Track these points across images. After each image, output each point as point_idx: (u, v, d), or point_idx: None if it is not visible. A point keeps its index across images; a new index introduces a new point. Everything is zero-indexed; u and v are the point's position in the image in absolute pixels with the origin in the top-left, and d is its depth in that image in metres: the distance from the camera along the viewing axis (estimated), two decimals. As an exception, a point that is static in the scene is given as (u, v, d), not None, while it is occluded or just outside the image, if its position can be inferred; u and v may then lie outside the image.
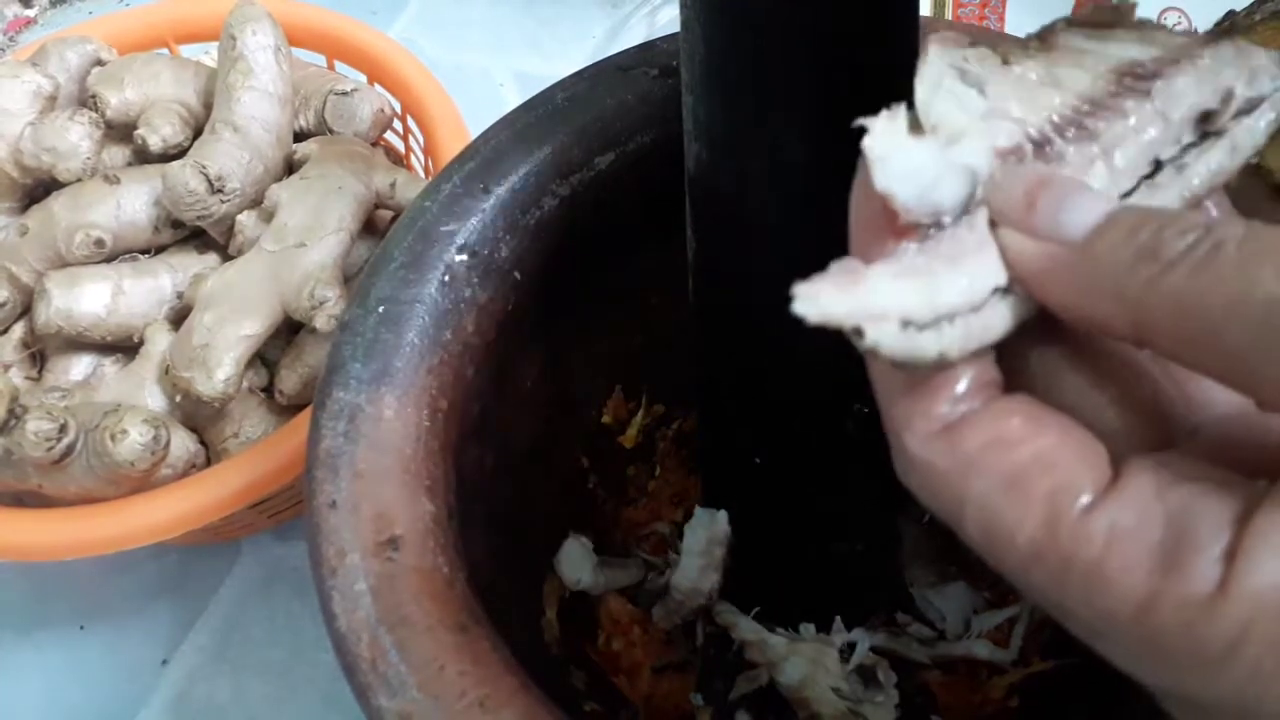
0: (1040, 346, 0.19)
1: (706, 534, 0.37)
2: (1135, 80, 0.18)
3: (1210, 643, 0.14)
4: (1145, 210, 0.17)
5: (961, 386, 0.17)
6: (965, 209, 0.18)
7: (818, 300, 0.16)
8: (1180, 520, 0.15)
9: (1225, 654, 0.14)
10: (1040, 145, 0.19)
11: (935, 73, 0.19)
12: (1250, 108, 0.19)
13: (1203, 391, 0.18)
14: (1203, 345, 0.15)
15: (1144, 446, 0.18)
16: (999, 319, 0.17)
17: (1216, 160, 0.19)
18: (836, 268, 0.17)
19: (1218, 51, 0.19)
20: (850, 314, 0.16)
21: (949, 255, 0.17)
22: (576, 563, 0.41)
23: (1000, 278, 0.17)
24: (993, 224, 0.18)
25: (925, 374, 0.17)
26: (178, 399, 0.46)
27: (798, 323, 0.17)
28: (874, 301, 0.16)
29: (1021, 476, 0.16)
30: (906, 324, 0.17)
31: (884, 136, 0.17)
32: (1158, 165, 0.19)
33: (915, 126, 0.18)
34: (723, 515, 0.36)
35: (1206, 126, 0.19)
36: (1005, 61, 0.19)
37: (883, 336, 0.16)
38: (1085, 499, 0.16)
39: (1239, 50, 0.19)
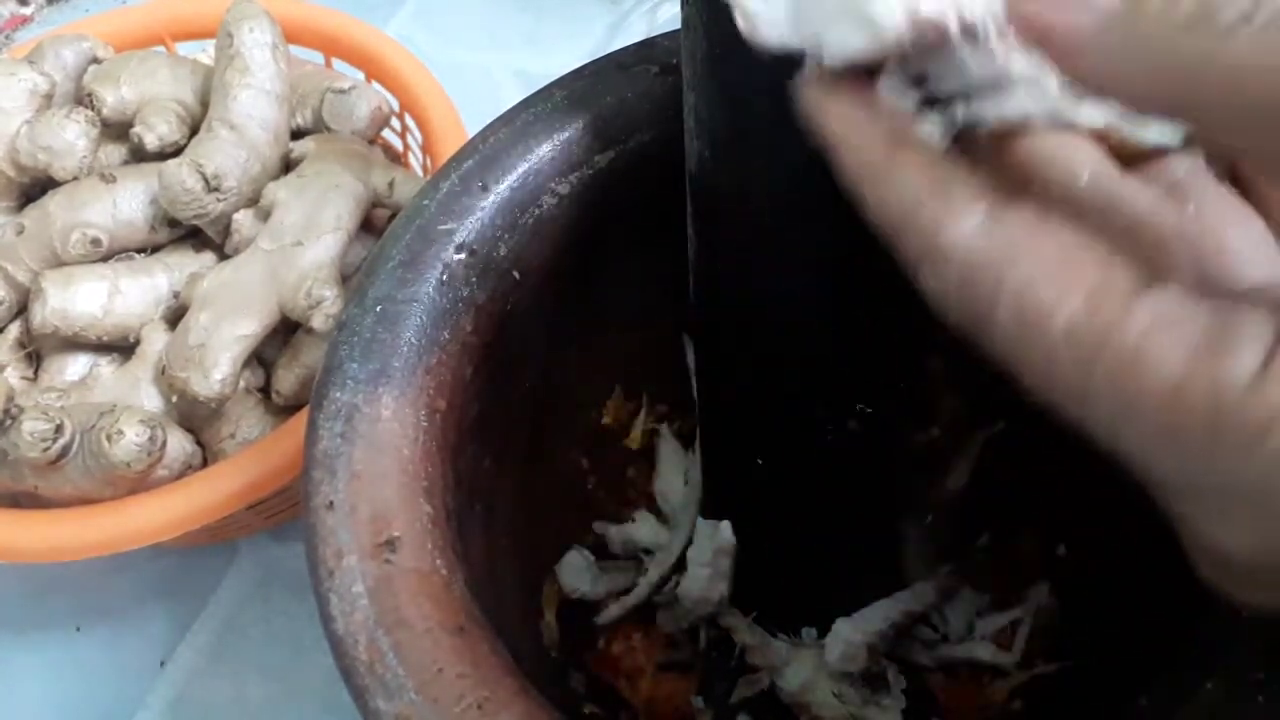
0: (1080, 196, 0.18)
1: (712, 545, 0.36)
2: None
3: (1240, 428, 0.14)
4: None
5: (986, 194, 0.17)
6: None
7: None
8: (1224, 318, 0.15)
9: (1256, 438, 0.14)
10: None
11: None
12: None
13: (1242, 263, 0.18)
14: (1256, 128, 0.14)
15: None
16: None
17: None
18: None
19: None
20: None
21: None
22: (577, 573, 0.41)
23: None
24: None
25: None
26: (174, 399, 0.46)
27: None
28: None
29: (1070, 256, 0.16)
30: None
31: None
32: None
33: None
34: (726, 525, 0.36)
35: None
36: None
37: None
38: (1130, 284, 0.15)
39: None
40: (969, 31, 0.17)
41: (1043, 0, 0.16)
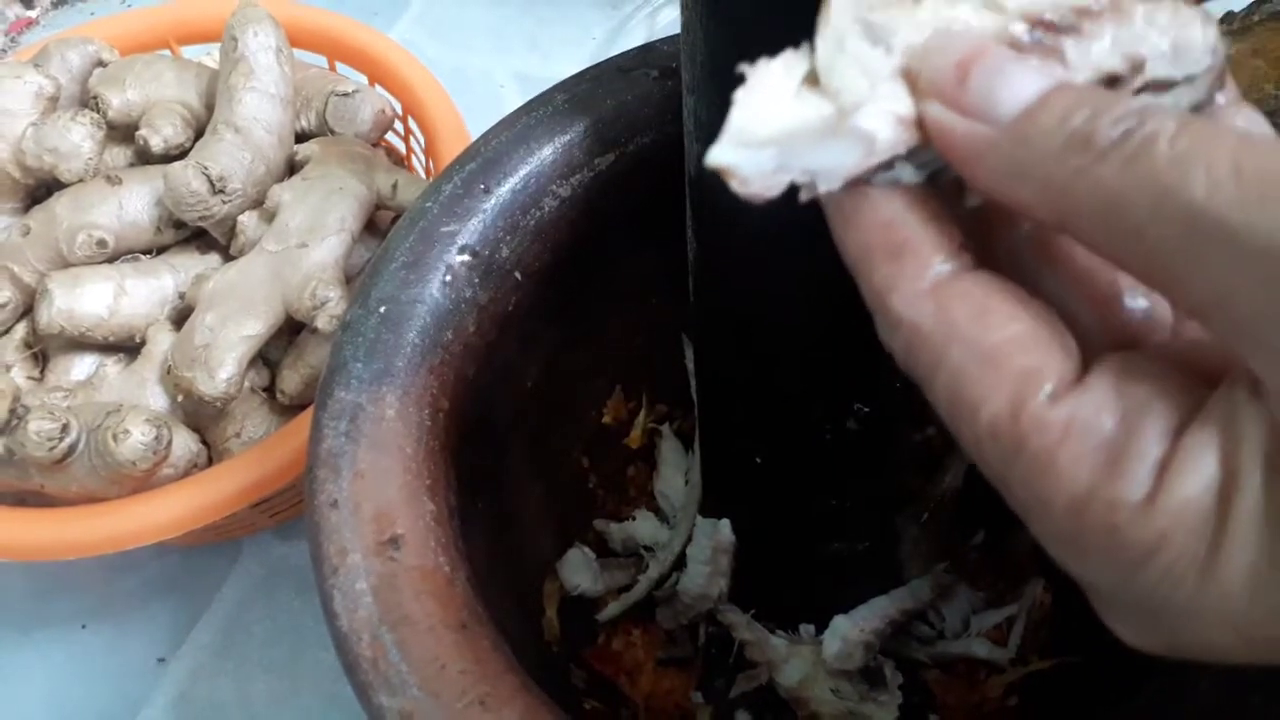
0: (1016, 246, 0.19)
1: (711, 543, 0.37)
2: (1048, 32, 0.17)
3: (1131, 546, 0.15)
4: (1081, 91, 0.16)
5: (943, 254, 0.17)
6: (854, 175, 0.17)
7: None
8: (1130, 422, 0.15)
9: (1143, 558, 0.15)
10: None
11: (838, 29, 0.17)
12: (1165, 86, 0.18)
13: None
14: (1124, 242, 0.15)
15: (1118, 345, 0.18)
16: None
17: None
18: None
19: (1153, 14, 0.17)
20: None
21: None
22: (578, 570, 0.41)
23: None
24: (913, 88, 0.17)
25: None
26: (179, 399, 0.46)
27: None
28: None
29: (997, 353, 0.16)
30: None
31: (762, 91, 0.17)
32: None
33: (813, 78, 0.17)
34: (725, 524, 0.36)
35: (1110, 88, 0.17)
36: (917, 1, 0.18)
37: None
38: (1050, 387, 0.16)
39: (1177, 17, 0.17)
40: None
41: (949, 106, 0.17)
